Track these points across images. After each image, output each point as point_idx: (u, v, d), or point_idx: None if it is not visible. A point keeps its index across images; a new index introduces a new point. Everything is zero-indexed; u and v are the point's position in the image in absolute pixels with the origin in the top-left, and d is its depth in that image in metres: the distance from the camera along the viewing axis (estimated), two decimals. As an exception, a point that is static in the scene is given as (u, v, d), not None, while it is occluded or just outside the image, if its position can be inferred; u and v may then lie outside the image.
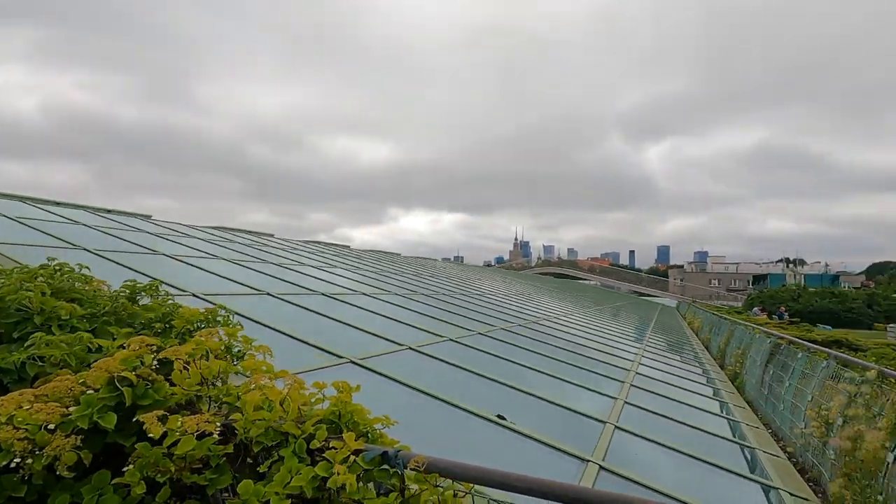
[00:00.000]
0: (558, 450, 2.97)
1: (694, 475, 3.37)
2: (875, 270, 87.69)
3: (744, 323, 10.72)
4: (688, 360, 9.54)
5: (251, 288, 5.39)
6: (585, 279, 59.36)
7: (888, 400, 3.37)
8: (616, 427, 3.66)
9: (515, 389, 4.04)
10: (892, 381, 3.70)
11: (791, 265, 66.12)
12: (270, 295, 5.27)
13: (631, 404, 4.55)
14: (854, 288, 44.76)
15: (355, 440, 1.39)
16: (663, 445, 3.56)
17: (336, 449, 1.37)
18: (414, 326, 5.58)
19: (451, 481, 1.36)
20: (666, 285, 62.58)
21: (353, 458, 1.35)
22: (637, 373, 6.25)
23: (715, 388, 6.72)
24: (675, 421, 4.40)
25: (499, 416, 3.16)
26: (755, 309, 28.97)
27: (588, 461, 2.89)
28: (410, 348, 4.44)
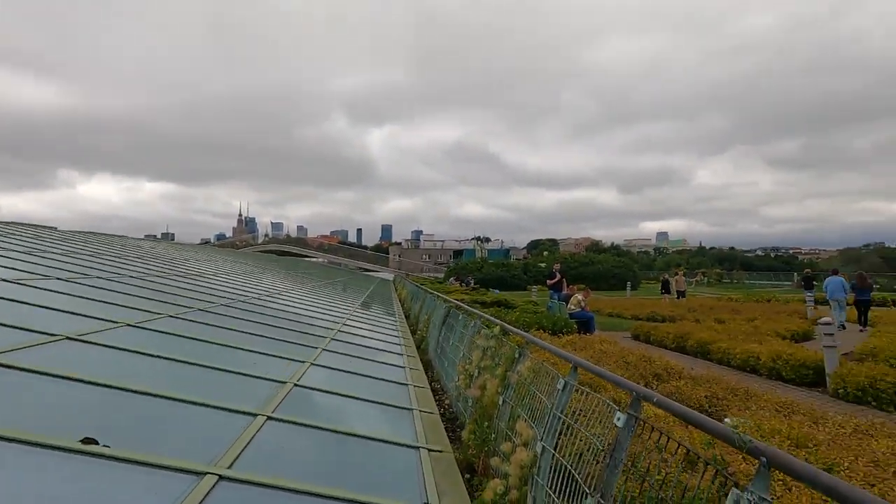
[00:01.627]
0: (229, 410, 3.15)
1: (336, 441, 3.32)
2: (532, 246, 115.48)
3: (433, 291, 12.82)
4: (383, 328, 10.86)
5: None
6: (313, 256, 59.97)
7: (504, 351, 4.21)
8: (296, 385, 4.05)
9: (197, 365, 3.96)
10: (512, 335, 4.26)
11: (479, 242, 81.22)
12: None
13: (318, 365, 5.02)
14: (517, 259, 58.67)
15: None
16: (322, 429, 3.47)
17: None
18: (79, 314, 4.74)
19: None
20: (387, 261, 68.69)
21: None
22: (333, 338, 6.89)
23: (397, 353, 7.84)
24: (331, 393, 4.38)
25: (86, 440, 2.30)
26: (451, 279, 34.87)
27: (259, 415, 3.17)
28: (68, 338, 3.80)
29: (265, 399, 3.56)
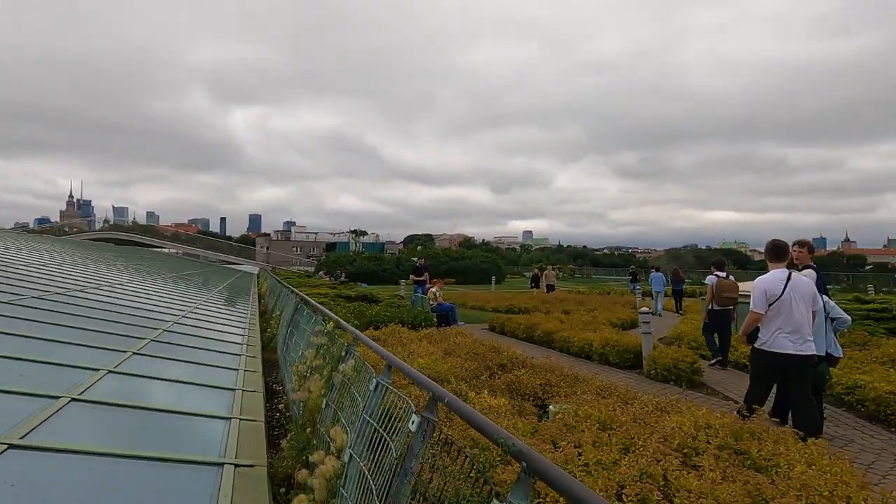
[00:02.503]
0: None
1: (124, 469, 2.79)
2: (408, 241, 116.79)
3: (288, 285, 12.05)
4: (229, 325, 9.88)
5: None
6: (163, 247, 53.36)
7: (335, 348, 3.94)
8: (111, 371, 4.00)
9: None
10: (343, 332, 3.97)
11: (355, 236, 79.76)
12: None
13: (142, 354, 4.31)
14: (391, 254, 58.71)
15: None
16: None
17: None
18: None
19: None
20: (254, 253, 63.93)
21: None
22: (161, 334, 6.08)
23: (234, 353, 7.11)
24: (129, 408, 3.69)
25: None
26: (321, 272, 33.54)
27: (62, 397, 3.25)
28: None
29: (73, 384, 3.57)
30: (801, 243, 5.22)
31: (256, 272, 37.99)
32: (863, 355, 7.46)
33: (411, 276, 15.65)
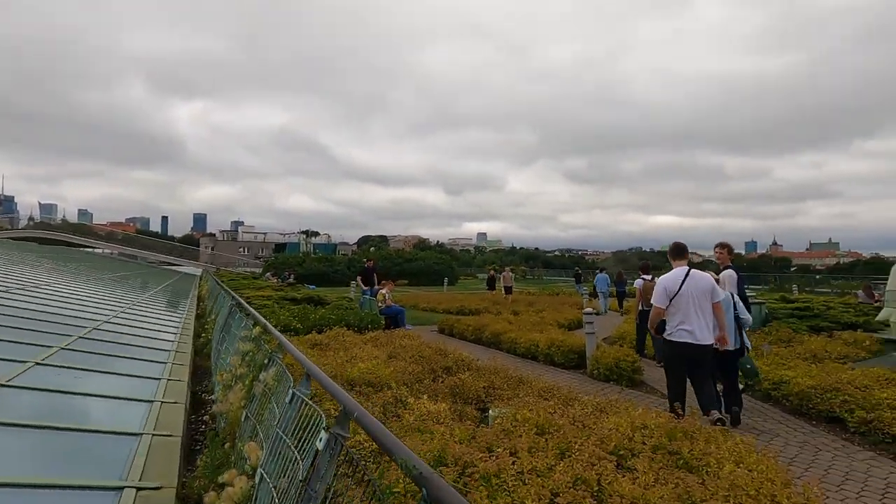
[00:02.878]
0: None
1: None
2: (362, 241, 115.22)
3: (226, 287, 11.45)
4: (158, 329, 9.24)
5: None
6: (95, 247, 49.81)
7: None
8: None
9: None
10: (270, 338, 3.71)
11: (306, 236, 77.72)
12: None
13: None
14: (343, 255, 57.61)
15: None
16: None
17: None
18: None
19: None
20: (198, 254, 60.94)
21: None
22: (78, 339, 5.51)
23: (160, 360, 6.60)
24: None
25: None
26: (268, 274, 32.36)
27: None
28: None
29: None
30: (721, 245, 5.61)
31: (199, 274, 36.23)
32: (787, 352, 7.86)
33: (358, 278, 15.27)
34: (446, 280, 33.98)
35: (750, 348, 5.35)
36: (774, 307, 10.80)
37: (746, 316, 5.22)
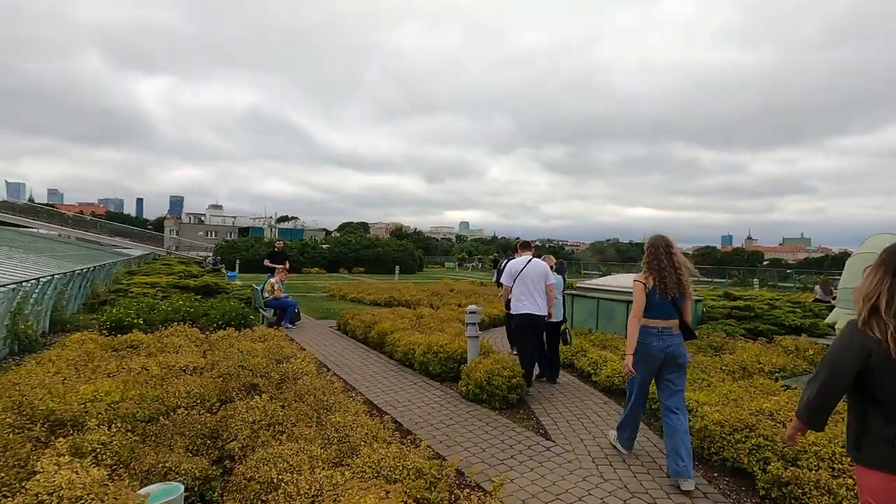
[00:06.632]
0: None
1: None
2: (342, 228, 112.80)
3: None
4: None
5: None
6: (29, 227, 46.64)
7: None
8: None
9: None
10: None
11: (271, 221, 75.08)
12: None
13: None
14: (301, 240, 55.25)
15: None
16: None
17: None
18: None
19: None
20: (162, 239, 58.15)
21: None
22: None
23: None
24: None
25: None
26: (210, 258, 30.30)
27: None
28: None
29: None
30: (523, 244, 6.41)
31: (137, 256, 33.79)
32: (712, 362, 6.32)
33: (266, 262, 13.43)
34: (398, 268, 32.12)
35: (563, 320, 6.77)
36: (713, 305, 9.28)
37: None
